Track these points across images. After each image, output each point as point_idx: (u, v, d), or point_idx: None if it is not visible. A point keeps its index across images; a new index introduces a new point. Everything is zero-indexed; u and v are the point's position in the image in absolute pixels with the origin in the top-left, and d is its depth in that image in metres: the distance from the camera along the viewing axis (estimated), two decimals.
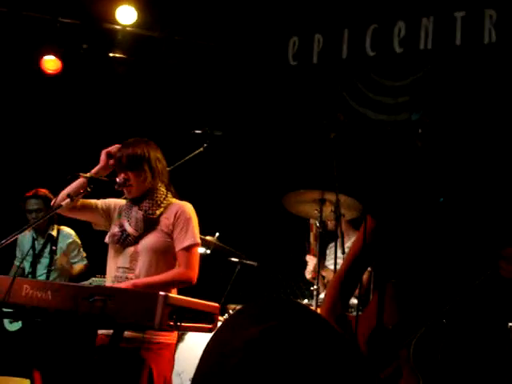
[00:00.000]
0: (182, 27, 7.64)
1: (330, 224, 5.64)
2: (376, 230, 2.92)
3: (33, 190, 6.40)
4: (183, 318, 3.52)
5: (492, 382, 2.64)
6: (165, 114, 7.58)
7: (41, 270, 6.45)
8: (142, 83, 7.74)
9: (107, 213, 4.35)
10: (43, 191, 6.39)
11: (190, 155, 5.67)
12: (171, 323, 3.43)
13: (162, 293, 3.42)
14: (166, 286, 3.98)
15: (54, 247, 6.43)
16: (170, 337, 4.12)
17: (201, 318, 3.66)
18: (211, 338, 1.27)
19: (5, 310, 4.05)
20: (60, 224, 6.57)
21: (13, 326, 6.40)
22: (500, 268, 2.47)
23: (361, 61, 6.98)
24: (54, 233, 6.51)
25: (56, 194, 4.19)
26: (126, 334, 3.87)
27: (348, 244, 5.61)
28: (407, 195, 2.82)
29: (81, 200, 4.22)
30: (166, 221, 4.19)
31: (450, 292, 2.57)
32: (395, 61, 6.73)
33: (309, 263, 5.74)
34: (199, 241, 4.23)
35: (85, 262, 6.70)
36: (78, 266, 6.64)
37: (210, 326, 3.68)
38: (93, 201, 4.33)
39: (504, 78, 6.10)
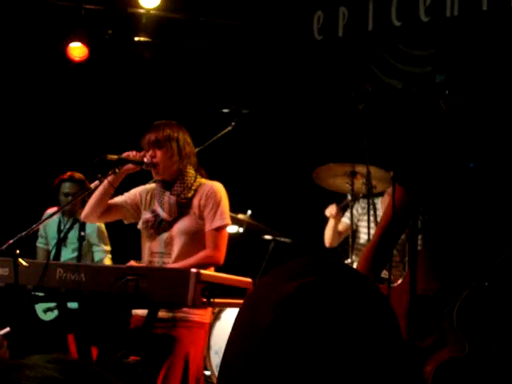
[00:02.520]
0: (205, 7, 7.61)
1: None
2: (405, 197, 2.88)
3: (68, 173, 6.21)
4: (216, 295, 3.54)
5: None
6: (192, 94, 7.57)
7: (67, 254, 6.30)
8: (169, 66, 7.74)
9: (135, 205, 4.35)
10: (79, 175, 6.18)
11: (219, 134, 5.68)
12: (204, 300, 3.45)
13: (193, 270, 3.44)
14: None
15: (82, 233, 6.29)
16: (204, 316, 4.13)
17: (234, 294, 3.66)
18: (245, 298, 1.24)
19: (39, 294, 4.09)
20: None
21: (47, 316, 6.34)
22: None
23: (387, 32, 6.90)
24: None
25: (87, 179, 4.20)
26: (160, 313, 3.90)
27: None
28: (435, 160, 2.78)
29: (108, 202, 4.23)
30: (197, 203, 4.18)
31: (490, 254, 2.53)
32: (422, 30, 6.64)
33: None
34: (229, 222, 4.22)
35: (105, 255, 6.37)
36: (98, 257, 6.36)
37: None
38: (119, 199, 4.33)
39: None
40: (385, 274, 3.18)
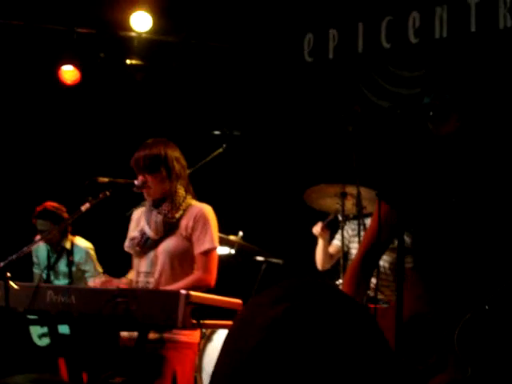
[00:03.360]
0: (196, 30, 7.66)
1: None
2: (389, 215, 2.90)
3: (42, 206, 6.10)
4: (206, 316, 3.55)
5: None
6: (184, 117, 7.61)
7: (57, 281, 6.22)
8: (161, 88, 7.78)
9: None
10: (52, 206, 6.09)
11: (210, 156, 5.70)
12: (194, 321, 3.45)
13: (183, 291, 3.44)
14: None
15: (70, 258, 6.21)
16: (192, 336, 4.12)
17: (224, 315, 3.67)
18: (233, 320, 1.25)
19: (30, 317, 4.10)
20: (75, 234, 6.32)
21: (42, 342, 6.32)
22: None
23: (377, 53, 6.96)
24: (68, 245, 6.23)
25: (74, 202, 4.21)
26: (150, 336, 3.92)
27: None
28: (421, 180, 2.80)
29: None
30: (185, 224, 4.18)
31: (489, 277, 2.54)
32: (411, 52, 6.70)
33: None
34: (217, 244, 4.22)
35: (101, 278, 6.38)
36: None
37: None
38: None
39: None
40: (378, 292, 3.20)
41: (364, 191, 5.31)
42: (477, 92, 2.72)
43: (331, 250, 5.88)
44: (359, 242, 5.35)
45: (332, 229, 5.90)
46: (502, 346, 2.52)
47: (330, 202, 5.66)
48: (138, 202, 4.71)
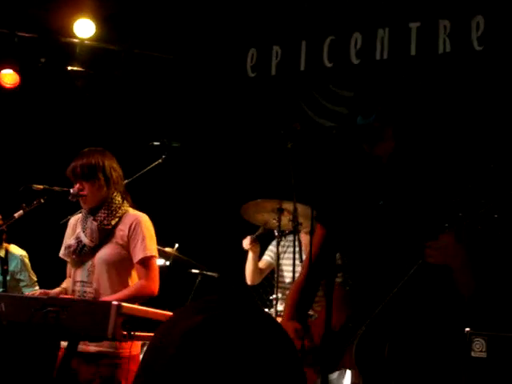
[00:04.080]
0: (140, 40, 7.64)
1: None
2: (327, 236, 2.95)
3: None
4: (137, 328, 3.52)
5: None
6: (124, 126, 7.57)
7: None
8: (101, 96, 7.73)
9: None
10: None
11: (149, 167, 5.68)
12: (125, 333, 3.43)
13: (114, 302, 3.41)
14: (130, 301, 3.97)
15: (5, 267, 6.11)
16: (134, 348, 4.10)
17: (155, 327, 3.64)
18: (155, 332, 1.30)
19: None
20: (10, 242, 6.21)
21: None
22: (427, 256, 2.49)
23: (318, 72, 7.03)
24: (2, 253, 6.08)
25: (8, 209, 4.15)
26: (91, 349, 3.94)
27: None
28: (352, 200, 2.84)
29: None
30: (121, 232, 4.17)
31: (388, 288, 2.58)
32: (352, 72, 6.80)
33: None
34: (155, 253, 4.21)
35: (35, 287, 6.25)
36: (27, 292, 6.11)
37: None
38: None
39: (457, 87, 6.19)
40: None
41: (301, 208, 5.36)
42: (411, 113, 2.76)
43: (261, 264, 5.92)
44: (293, 258, 5.38)
45: (262, 243, 5.93)
46: (397, 359, 2.56)
47: (267, 217, 5.70)
48: (73, 210, 4.67)
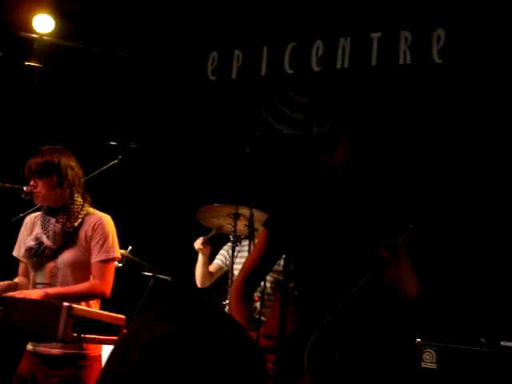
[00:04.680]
0: (100, 38, 7.57)
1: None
2: (273, 241, 2.94)
3: None
4: (88, 330, 3.47)
5: None
6: (80, 124, 7.48)
7: None
8: (58, 93, 7.63)
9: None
10: None
11: (105, 167, 5.61)
12: (75, 335, 3.37)
13: (65, 304, 3.35)
14: (79, 297, 3.91)
15: None
16: (96, 348, 4.08)
17: (106, 330, 3.60)
18: (118, 338, 1.25)
19: None
20: None
21: None
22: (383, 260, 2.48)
23: (279, 78, 7.04)
24: None
25: None
26: (54, 351, 3.89)
27: None
28: (305, 208, 2.83)
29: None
30: (83, 234, 4.11)
31: (338, 296, 2.58)
32: (313, 79, 6.81)
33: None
34: (118, 255, 4.16)
35: None
36: None
37: (115, 338, 3.63)
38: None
39: (417, 98, 6.24)
40: None
41: (257, 213, 5.34)
42: (366, 121, 2.76)
43: (211, 268, 5.89)
44: None
45: (213, 245, 5.90)
46: (350, 364, 2.56)
47: (223, 222, 5.67)
48: (26, 208, 4.59)
